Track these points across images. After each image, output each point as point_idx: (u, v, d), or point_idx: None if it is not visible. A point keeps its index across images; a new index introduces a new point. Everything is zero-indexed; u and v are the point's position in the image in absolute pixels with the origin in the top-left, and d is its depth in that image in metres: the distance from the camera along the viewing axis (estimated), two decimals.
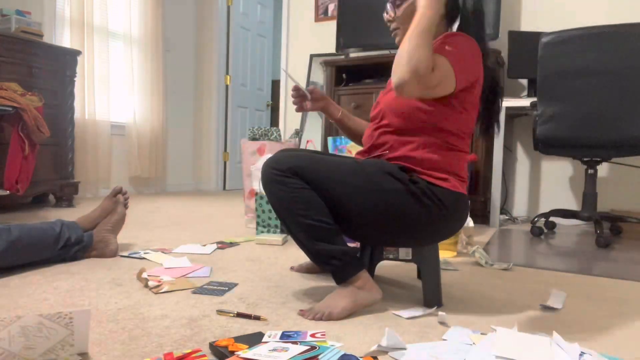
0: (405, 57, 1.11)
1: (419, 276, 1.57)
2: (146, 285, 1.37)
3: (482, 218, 3.05)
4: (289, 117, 4.53)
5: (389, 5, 1.34)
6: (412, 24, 1.16)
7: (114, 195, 1.85)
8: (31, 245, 1.51)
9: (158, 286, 1.36)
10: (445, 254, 1.97)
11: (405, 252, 1.32)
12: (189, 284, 1.42)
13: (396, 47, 1.32)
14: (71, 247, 1.64)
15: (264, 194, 1.32)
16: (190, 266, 1.64)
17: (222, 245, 2.05)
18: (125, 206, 1.86)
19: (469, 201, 2.33)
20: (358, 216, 1.22)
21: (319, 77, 4.24)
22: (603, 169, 3.18)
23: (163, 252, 1.85)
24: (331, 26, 4.23)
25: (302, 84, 1.36)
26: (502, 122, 2.92)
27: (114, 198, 1.84)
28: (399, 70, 1.12)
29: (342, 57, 3.73)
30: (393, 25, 1.34)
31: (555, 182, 3.36)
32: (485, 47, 1.28)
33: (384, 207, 1.20)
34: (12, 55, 2.75)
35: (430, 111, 1.23)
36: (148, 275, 1.47)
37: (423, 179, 1.22)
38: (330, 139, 2.74)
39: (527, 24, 3.39)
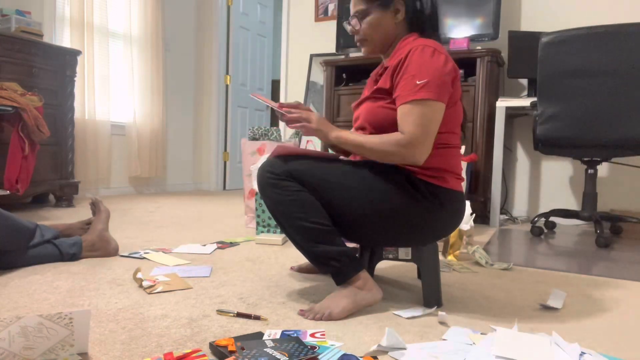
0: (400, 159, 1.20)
1: (419, 276, 1.57)
2: (141, 286, 1.37)
3: (482, 218, 3.05)
4: None
5: (351, 19, 1.34)
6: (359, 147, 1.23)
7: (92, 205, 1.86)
8: (5, 229, 1.46)
9: (152, 286, 1.36)
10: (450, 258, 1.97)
11: (404, 251, 1.32)
12: (184, 284, 1.42)
13: None
14: (47, 243, 1.60)
15: None
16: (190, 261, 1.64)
17: (222, 245, 2.05)
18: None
19: (466, 199, 2.34)
20: (356, 217, 1.22)
21: (319, 77, 4.24)
22: (603, 169, 3.18)
23: (163, 252, 1.85)
24: (331, 26, 4.23)
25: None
26: (501, 121, 2.92)
27: (88, 219, 1.85)
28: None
29: (342, 57, 3.73)
30: (358, 37, 1.35)
31: (555, 182, 3.36)
32: (439, 39, 1.31)
33: (382, 208, 1.20)
34: (12, 55, 2.75)
35: None
36: (143, 273, 1.47)
37: (419, 178, 1.23)
38: None
39: (527, 24, 3.39)
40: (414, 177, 1.22)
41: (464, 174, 2.53)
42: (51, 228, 1.67)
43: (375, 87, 1.31)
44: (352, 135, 1.24)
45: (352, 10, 1.34)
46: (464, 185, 2.53)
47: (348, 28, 1.36)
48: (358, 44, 1.37)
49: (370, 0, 1.30)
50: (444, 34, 3.27)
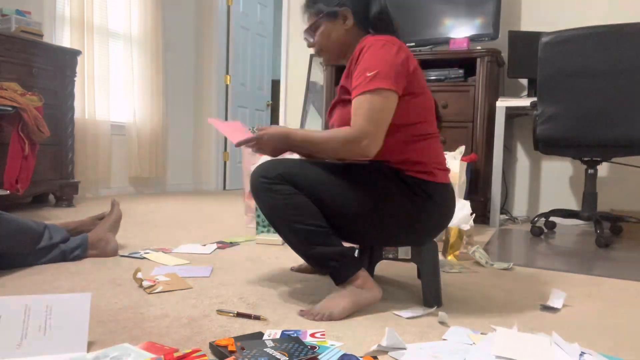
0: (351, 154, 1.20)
1: (419, 276, 1.56)
2: (140, 286, 1.37)
3: (482, 218, 3.05)
4: (289, 117, 4.53)
5: (305, 35, 1.41)
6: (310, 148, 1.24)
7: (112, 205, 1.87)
8: (11, 233, 1.47)
9: (152, 286, 1.36)
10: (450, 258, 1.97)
11: (404, 251, 1.32)
12: (184, 284, 1.42)
13: None
14: (54, 248, 1.61)
15: None
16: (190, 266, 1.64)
17: (222, 245, 2.05)
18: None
19: (466, 199, 2.34)
20: (350, 217, 1.22)
21: (319, 77, 4.24)
22: (603, 169, 3.18)
23: (163, 252, 1.85)
24: None
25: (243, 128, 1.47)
26: (501, 121, 2.92)
27: (101, 214, 1.86)
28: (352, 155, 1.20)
29: None
30: (315, 49, 1.40)
31: (555, 182, 3.36)
32: (397, 37, 1.31)
33: (376, 207, 1.21)
34: (12, 55, 2.75)
35: None
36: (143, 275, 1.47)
37: (410, 175, 1.23)
38: None
39: (527, 24, 3.39)
40: (404, 174, 1.23)
41: (463, 174, 2.52)
42: (61, 228, 1.67)
43: (339, 88, 1.32)
44: (301, 133, 1.24)
45: (305, 25, 1.41)
46: (463, 184, 2.52)
47: (306, 43, 1.42)
48: (316, 55, 1.42)
49: (317, 13, 1.37)
50: (444, 33, 3.27)
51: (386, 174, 1.23)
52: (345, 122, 1.24)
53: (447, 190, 1.28)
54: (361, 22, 1.34)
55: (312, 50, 4.34)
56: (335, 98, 1.36)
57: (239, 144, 1.27)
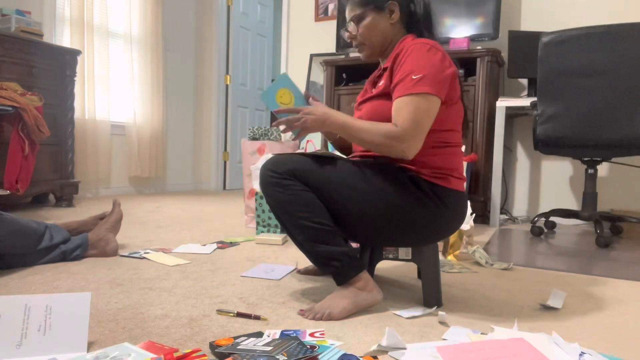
0: (387, 150, 1.19)
1: (419, 276, 1.57)
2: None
3: (482, 218, 3.05)
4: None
5: (351, 24, 1.34)
6: (347, 131, 1.21)
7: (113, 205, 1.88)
8: (12, 234, 1.48)
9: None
10: (450, 258, 1.97)
11: (405, 251, 1.32)
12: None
13: None
14: (55, 248, 1.61)
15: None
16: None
17: (222, 245, 2.05)
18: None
19: (468, 200, 2.34)
20: (358, 217, 1.22)
21: (319, 77, 4.24)
22: (603, 169, 3.18)
23: (163, 252, 1.85)
24: (331, 26, 4.23)
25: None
26: (501, 121, 2.92)
27: (102, 214, 1.87)
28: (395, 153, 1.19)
29: (342, 56, 3.73)
30: (357, 42, 1.35)
31: (555, 182, 3.36)
32: (436, 40, 1.29)
33: (384, 208, 1.20)
34: (12, 55, 2.75)
35: None
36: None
37: (423, 178, 1.22)
38: None
39: (527, 24, 3.39)
40: (417, 177, 1.22)
41: (464, 174, 2.52)
42: (62, 229, 1.67)
43: (378, 88, 1.30)
44: (342, 119, 1.22)
45: (348, 17, 1.35)
46: (465, 185, 2.52)
47: (346, 35, 1.37)
48: (357, 48, 1.37)
49: (365, 4, 1.31)
50: (444, 33, 3.28)
51: (398, 176, 1.22)
52: (379, 114, 1.24)
53: (460, 198, 1.27)
54: (406, 19, 1.32)
55: (312, 50, 4.37)
56: (364, 96, 1.36)
57: (278, 111, 1.24)
